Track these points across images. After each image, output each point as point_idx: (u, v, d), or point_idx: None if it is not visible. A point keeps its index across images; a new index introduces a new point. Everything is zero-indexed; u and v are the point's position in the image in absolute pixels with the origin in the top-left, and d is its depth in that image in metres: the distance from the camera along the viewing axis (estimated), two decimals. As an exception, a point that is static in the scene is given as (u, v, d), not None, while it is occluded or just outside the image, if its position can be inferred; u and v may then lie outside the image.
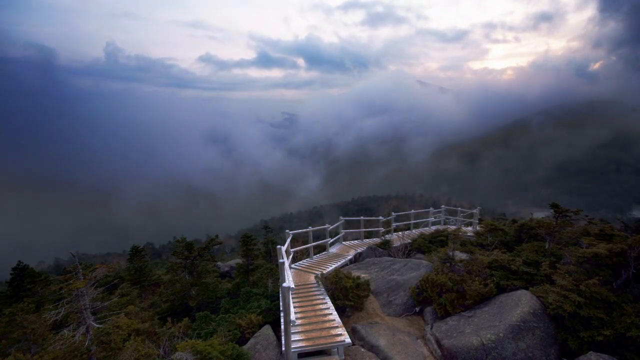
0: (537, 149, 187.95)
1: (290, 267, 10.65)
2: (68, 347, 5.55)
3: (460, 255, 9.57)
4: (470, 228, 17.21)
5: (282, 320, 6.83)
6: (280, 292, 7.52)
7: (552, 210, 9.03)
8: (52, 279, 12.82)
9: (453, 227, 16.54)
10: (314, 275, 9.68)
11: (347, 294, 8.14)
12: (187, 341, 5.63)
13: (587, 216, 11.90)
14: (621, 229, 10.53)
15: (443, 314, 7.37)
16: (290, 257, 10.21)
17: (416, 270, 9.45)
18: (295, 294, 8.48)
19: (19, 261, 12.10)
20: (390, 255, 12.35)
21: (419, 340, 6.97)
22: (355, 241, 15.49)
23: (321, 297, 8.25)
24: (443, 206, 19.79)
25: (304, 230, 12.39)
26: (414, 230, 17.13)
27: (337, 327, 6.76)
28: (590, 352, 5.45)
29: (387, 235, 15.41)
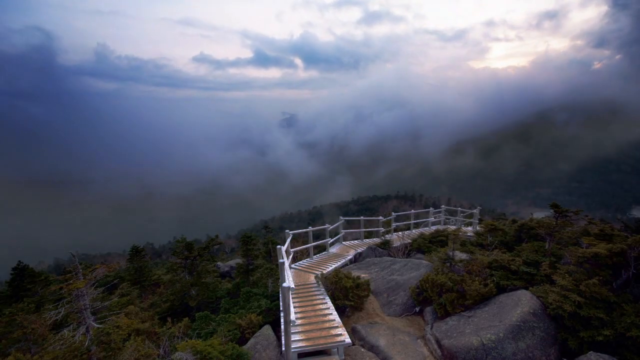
0: (537, 149, 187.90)
1: (290, 267, 10.65)
2: (68, 347, 5.55)
3: (460, 255, 9.57)
4: (470, 228, 17.21)
5: (282, 320, 6.83)
6: (280, 292, 7.52)
7: (552, 210, 9.03)
8: (52, 279, 12.83)
9: (453, 227, 16.54)
10: (314, 275, 9.68)
11: (347, 294, 8.14)
12: (187, 341, 5.63)
13: (587, 216, 11.90)
14: (621, 229, 10.52)
15: (443, 314, 7.37)
16: (290, 257, 10.21)
17: (416, 270, 9.45)
18: (295, 294, 8.48)
19: (19, 261, 12.10)
20: (390, 255, 12.35)
21: (419, 340, 6.97)
22: (355, 241, 15.49)
23: (321, 297, 8.25)
24: (443, 206, 19.79)
25: (304, 230, 12.39)
26: (414, 230, 17.13)
27: (337, 327, 6.76)
28: (590, 352, 5.45)
29: (387, 235, 15.41)
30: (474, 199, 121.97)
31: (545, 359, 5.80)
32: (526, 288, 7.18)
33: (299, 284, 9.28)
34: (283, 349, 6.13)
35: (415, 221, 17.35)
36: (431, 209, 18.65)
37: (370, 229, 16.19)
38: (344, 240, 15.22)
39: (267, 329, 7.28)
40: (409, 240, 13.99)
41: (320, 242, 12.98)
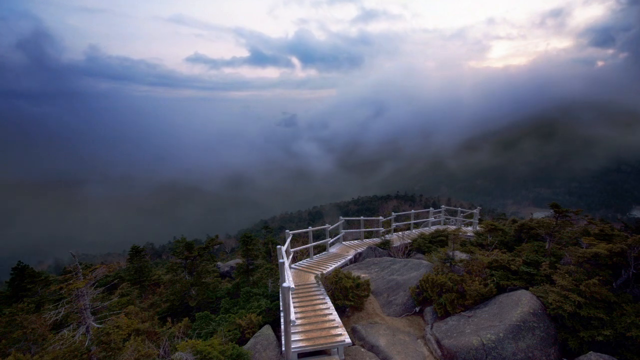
0: (537, 150, 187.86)
1: (290, 267, 10.66)
2: (68, 347, 5.55)
3: (460, 255, 9.57)
4: (470, 228, 17.21)
5: (282, 320, 6.83)
6: (280, 292, 7.52)
7: (552, 210, 9.03)
8: (52, 279, 12.83)
9: (453, 227, 16.54)
10: (314, 275, 9.68)
11: (347, 294, 8.14)
12: (187, 341, 5.63)
13: (587, 216, 11.91)
14: (621, 229, 10.53)
15: (443, 314, 7.37)
16: (290, 257, 10.21)
17: (416, 270, 9.45)
18: (295, 294, 8.48)
19: (19, 261, 12.10)
20: (390, 255, 12.34)
21: (419, 340, 6.97)
22: (355, 241, 15.49)
23: (321, 297, 8.25)
24: (443, 206, 19.80)
25: (304, 230, 12.40)
26: (414, 230, 17.13)
27: (337, 327, 6.75)
28: (590, 352, 5.45)
29: (387, 235, 15.41)
30: (474, 199, 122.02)
31: (545, 359, 5.80)
32: (526, 288, 7.18)
33: (299, 284, 9.28)
34: (283, 349, 6.13)
35: (415, 221, 17.35)
36: (431, 209, 18.65)
37: (370, 229, 16.19)
38: (344, 240, 15.21)
39: (267, 329, 7.28)
40: (409, 240, 13.99)
41: (320, 242, 12.98)
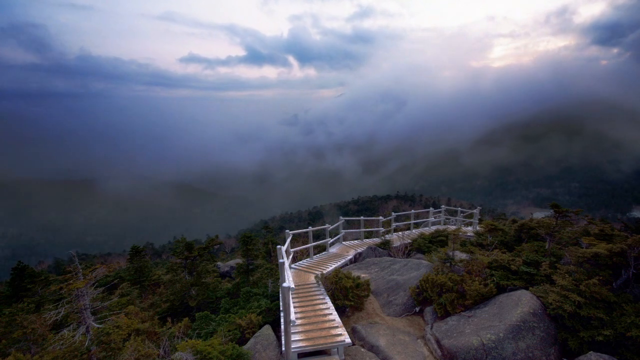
0: (537, 150, 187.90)
1: (290, 267, 10.66)
2: (68, 347, 5.56)
3: (460, 255, 9.57)
4: (470, 228, 17.21)
5: (282, 320, 6.83)
6: (280, 292, 7.52)
7: (552, 210, 9.03)
8: (52, 279, 12.83)
9: (453, 227, 16.54)
10: (314, 275, 9.68)
11: (347, 294, 8.14)
12: (187, 341, 5.63)
13: (587, 216, 11.90)
14: (621, 229, 10.53)
15: (443, 314, 7.37)
16: (290, 257, 10.21)
17: (416, 270, 9.45)
18: (295, 294, 8.48)
19: (19, 261, 12.11)
20: (390, 255, 12.35)
21: (419, 340, 6.97)
22: (355, 241, 15.49)
23: (321, 297, 8.25)
24: (443, 206, 19.80)
25: (304, 230, 12.40)
26: (414, 230, 17.13)
27: (337, 327, 6.76)
28: (590, 352, 5.45)
29: (387, 235, 15.41)
30: (474, 199, 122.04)
31: (545, 359, 5.80)
32: (526, 288, 7.18)
33: (299, 284, 9.28)
34: (283, 349, 6.13)
35: (415, 221, 17.35)
36: (431, 209, 18.66)
37: (370, 229, 16.20)
38: (344, 240, 15.21)
39: (267, 329, 7.28)
40: (409, 240, 14.00)
41: (320, 242, 12.98)
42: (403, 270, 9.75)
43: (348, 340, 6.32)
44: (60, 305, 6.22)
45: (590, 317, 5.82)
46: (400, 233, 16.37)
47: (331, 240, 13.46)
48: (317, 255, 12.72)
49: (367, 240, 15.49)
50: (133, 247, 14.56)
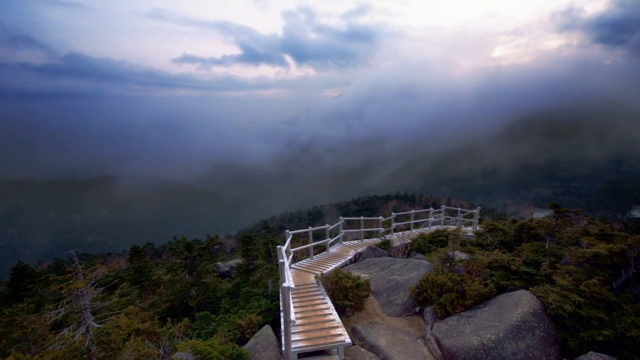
0: (537, 150, 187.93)
1: (290, 267, 10.66)
2: (68, 347, 5.55)
3: (460, 255, 9.57)
4: (470, 228, 17.21)
5: (282, 320, 6.83)
6: (280, 292, 7.52)
7: (552, 210, 9.03)
8: (52, 279, 12.83)
9: (453, 227, 16.54)
10: (314, 275, 9.68)
11: (347, 294, 8.14)
12: (187, 341, 5.63)
13: (587, 216, 11.90)
14: (621, 229, 10.53)
15: (443, 314, 7.37)
16: (290, 257, 10.21)
17: (416, 270, 9.45)
18: (295, 294, 8.48)
19: (19, 261, 12.11)
20: (390, 255, 12.35)
21: (419, 340, 6.97)
22: (355, 241, 15.49)
23: (321, 297, 8.25)
24: (443, 206, 19.80)
25: (304, 230, 12.40)
26: (414, 230, 17.13)
27: (337, 327, 6.76)
28: (590, 352, 5.45)
29: (387, 235, 15.41)
30: (474, 199, 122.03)
31: (545, 359, 5.80)
32: (526, 288, 7.18)
33: (299, 284, 9.28)
34: (283, 349, 6.13)
35: (415, 221, 17.35)
36: (431, 209, 18.66)
37: (370, 229, 16.20)
38: (344, 240, 15.22)
39: (267, 329, 7.28)
40: (409, 240, 14.00)
41: (320, 242, 12.98)
42: (403, 270, 9.75)
43: (348, 340, 6.32)
44: (60, 305, 6.22)
45: (590, 317, 5.82)
46: (400, 233, 16.37)
47: (331, 240, 13.47)
48: (317, 255, 12.72)
49: (367, 240, 15.49)
50: (133, 247, 14.56)
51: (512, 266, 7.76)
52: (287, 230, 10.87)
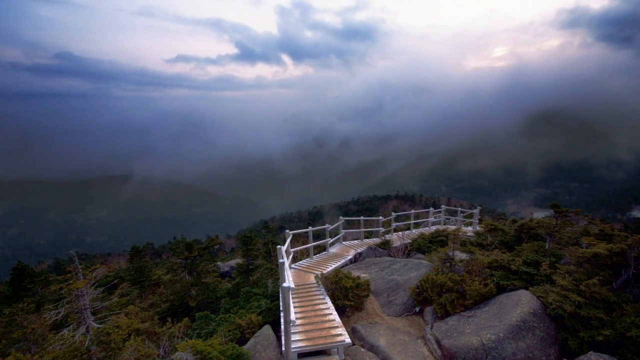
0: (537, 150, 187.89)
1: (290, 267, 10.66)
2: (68, 347, 5.55)
3: (460, 255, 9.57)
4: (470, 228, 17.21)
5: (282, 320, 6.83)
6: (280, 292, 7.52)
7: (552, 210, 9.03)
8: (52, 279, 12.83)
9: (453, 227, 16.54)
10: (314, 275, 9.68)
11: (347, 294, 8.14)
12: (187, 341, 5.63)
13: (587, 216, 11.91)
14: (621, 229, 10.53)
15: (443, 314, 7.37)
16: (290, 257, 10.21)
17: (416, 270, 9.45)
18: (295, 294, 8.48)
19: (19, 261, 12.11)
20: (390, 255, 12.35)
21: (419, 340, 6.97)
22: (355, 241, 15.49)
23: (321, 297, 8.25)
24: (443, 206, 19.80)
25: (304, 230, 12.40)
26: (414, 230, 17.13)
27: (337, 327, 6.76)
28: (590, 352, 5.45)
29: (387, 235, 15.41)
30: (474, 199, 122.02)
31: (545, 359, 5.80)
32: (526, 288, 7.18)
33: (299, 284, 9.28)
34: (283, 349, 6.13)
35: (415, 221, 17.35)
36: (431, 209, 18.65)
37: (370, 229, 16.20)
38: (344, 240, 15.21)
39: (267, 329, 7.28)
40: (409, 240, 13.99)
41: (320, 242, 12.98)
42: (403, 270, 9.75)
43: (348, 340, 6.32)
44: (60, 305, 6.21)
45: (590, 317, 5.82)
46: (400, 233, 16.37)
47: (331, 240, 13.46)
48: (317, 255, 12.72)
49: (367, 240, 15.49)
50: (133, 247, 14.57)
51: (512, 266, 7.76)
52: (287, 230, 10.87)
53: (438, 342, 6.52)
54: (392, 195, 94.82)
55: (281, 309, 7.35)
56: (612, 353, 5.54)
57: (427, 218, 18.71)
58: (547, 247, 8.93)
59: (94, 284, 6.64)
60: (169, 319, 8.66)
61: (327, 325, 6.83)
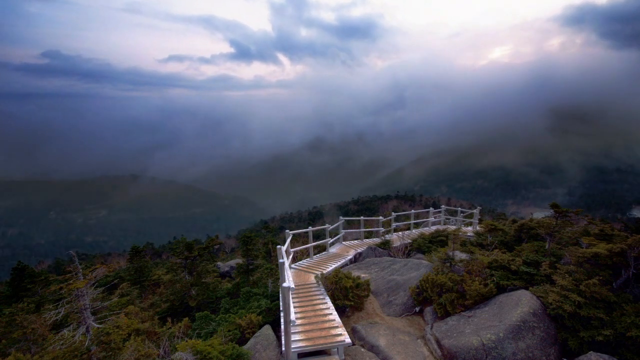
0: (537, 150, 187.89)
1: (290, 267, 10.65)
2: (68, 347, 5.55)
3: (460, 255, 9.57)
4: (470, 228, 17.21)
5: (282, 320, 6.83)
6: (280, 292, 7.52)
7: (552, 210, 9.02)
8: (52, 279, 12.83)
9: (453, 227, 16.54)
10: (314, 275, 9.68)
11: (347, 294, 8.14)
12: (187, 341, 5.63)
13: (587, 216, 11.91)
14: (621, 229, 10.53)
15: (443, 314, 7.37)
16: (290, 257, 10.21)
17: (416, 270, 9.45)
18: (295, 294, 8.48)
19: (19, 261, 12.11)
20: (390, 255, 12.34)
21: (419, 340, 6.97)
22: (355, 241, 15.49)
23: (321, 297, 8.25)
24: (443, 206, 19.80)
25: (304, 230, 12.40)
26: (414, 230, 17.13)
27: (337, 327, 6.76)
28: (590, 352, 5.45)
29: (387, 235, 15.41)
30: (474, 199, 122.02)
31: (545, 359, 5.80)
32: (526, 288, 7.18)
33: (299, 284, 9.28)
34: (283, 349, 6.13)
35: (415, 221, 17.34)
36: (431, 209, 18.65)
37: (370, 229, 16.20)
38: (344, 240, 15.21)
39: (267, 329, 7.28)
40: (409, 240, 13.99)
41: (320, 242, 12.98)
42: (403, 270, 9.75)
43: (348, 340, 6.32)
44: (60, 305, 6.21)
45: (590, 317, 5.82)
46: (400, 233, 16.36)
47: (331, 240, 13.46)
48: (317, 255, 12.72)
49: (367, 240, 15.49)
50: (133, 247, 14.57)
51: (512, 266, 7.76)
52: (287, 230, 10.87)
53: (438, 342, 6.52)
54: (392, 195, 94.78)
55: (281, 309, 7.35)
56: (612, 353, 5.54)
57: (427, 218, 18.71)
58: (547, 247, 8.93)
59: (94, 284, 6.64)
60: (169, 319, 8.66)
61: (327, 325, 6.83)
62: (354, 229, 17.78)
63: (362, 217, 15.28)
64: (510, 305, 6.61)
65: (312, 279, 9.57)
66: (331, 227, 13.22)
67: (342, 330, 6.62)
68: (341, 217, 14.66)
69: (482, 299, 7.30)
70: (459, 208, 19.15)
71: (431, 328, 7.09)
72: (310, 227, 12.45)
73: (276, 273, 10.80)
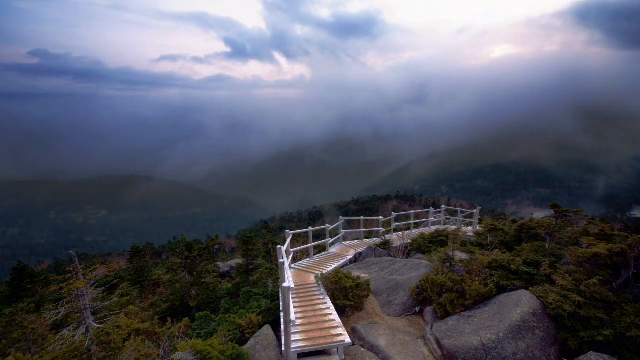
0: (537, 150, 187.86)
1: (290, 267, 10.65)
2: (68, 347, 5.55)
3: (460, 255, 9.57)
4: (470, 228, 17.21)
5: (282, 320, 6.83)
6: (280, 292, 7.52)
7: (552, 210, 9.03)
8: (52, 279, 12.84)
9: (453, 227, 16.54)
10: (314, 275, 9.68)
11: (347, 294, 8.14)
12: (187, 341, 5.63)
13: (587, 216, 11.91)
14: (621, 229, 10.53)
15: (443, 314, 7.37)
16: (290, 257, 10.21)
17: (416, 270, 9.45)
18: (295, 294, 8.48)
19: (19, 261, 12.11)
20: (390, 255, 12.35)
21: (419, 340, 6.97)
22: (355, 241, 15.49)
23: (321, 297, 8.25)
24: (443, 206, 19.80)
25: (304, 230, 12.40)
26: (414, 230, 17.13)
27: (337, 327, 6.76)
28: (590, 352, 5.45)
29: (387, 235, 15.41)
30: (474, 199, 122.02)
31: (545, 359, 5.80)
32: (526, 288, 7.18)
33: (299, 284, 9.28)
34: (283, 349, 6.13)
35: (415, 221, 17.34)
36: (431, 209, 18.65)
37: (370, 229, 16.20)
38: (344, 240, 15.21)
39: (267, 329, 7.28)
40: (409, 240, 13.99)
41: (320, 242, 12.98)
42: (403, 270, 9.75)
43: (348, 340, 6.32)
44: (60, 305, 6.21)
45: (590, 317, 5.82)
46: (400, 233, 16.36)
47: (331, 240, 13.46)
48: (317, 255, 12.72)
49: (367, 240, 15.49)
50: (133, 247, 14.58)
51: (512, 266, 7.76)
52: (287, 230, 10.87)
53: (438, 342, 6.52)
54: (392, 195, 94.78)
55: (281, 309, 7.35)
56: (612, 353, 5.54)
57: (427, 218, 18.71)
58: (547, 247, 8.93)
59: (94, 284, 6.64)
60: (169, 319, 8.65)
61: (327, 325, 6.83)
62: (354, 229, 17.78)
63: (362, 217, 15.28)
64: (510, 305, 6.61)
65: (312, 279, 9.57)
66: (331, 227, 13.22)
67: (342, 330, 6.62)
68: (341, 217, 14.66)
69: (482, 299, 7.30)
70: (459, 208, 19.14)
71: (431, 328, 7.09)
72: (310, 227, 12.45)
73: (276, 273, 10.80)
